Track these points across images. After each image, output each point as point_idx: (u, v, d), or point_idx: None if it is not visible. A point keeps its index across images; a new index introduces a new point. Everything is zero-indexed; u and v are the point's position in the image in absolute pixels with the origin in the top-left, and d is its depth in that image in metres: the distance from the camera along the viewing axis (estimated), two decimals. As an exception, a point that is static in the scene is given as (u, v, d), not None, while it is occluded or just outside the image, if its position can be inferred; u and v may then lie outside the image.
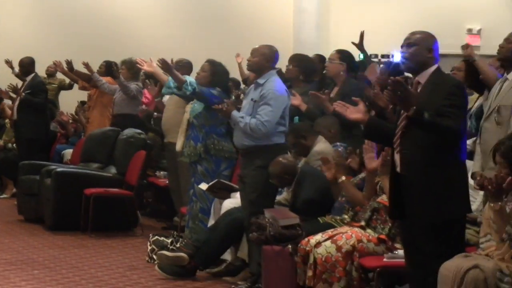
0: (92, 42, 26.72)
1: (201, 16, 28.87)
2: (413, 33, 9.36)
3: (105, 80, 19.63)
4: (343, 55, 14.73)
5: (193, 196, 14.11)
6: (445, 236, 8.84)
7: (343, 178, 11.39)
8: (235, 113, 12.47)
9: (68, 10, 28.54)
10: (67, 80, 22.50)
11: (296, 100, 13.44)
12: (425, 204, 8.75)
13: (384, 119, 9.74)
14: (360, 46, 14.76)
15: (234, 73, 16.60)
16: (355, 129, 12.48)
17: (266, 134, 12.37)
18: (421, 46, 9.17)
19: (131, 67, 19.11)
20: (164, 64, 14.22)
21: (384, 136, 9.30)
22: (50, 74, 22.28)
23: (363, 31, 14.44)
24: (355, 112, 8.71)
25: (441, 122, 8.59)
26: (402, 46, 9.29)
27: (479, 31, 27.85)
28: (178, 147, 14.96)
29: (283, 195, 12.80)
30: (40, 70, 22.31)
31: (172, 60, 13.90)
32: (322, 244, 10.74)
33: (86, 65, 19.79)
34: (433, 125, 8.66)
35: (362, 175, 11.42)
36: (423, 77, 9.07)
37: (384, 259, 10.57)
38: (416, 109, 8.38)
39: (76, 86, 22.08)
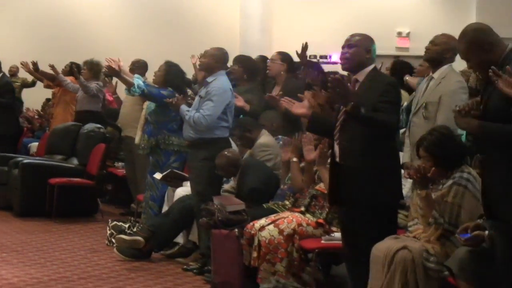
0: (56, 44, 26.33)
1: (157, 21, 28.86)
2: (353, 35, 9.54)
3: (68, 79, 19.63)
4: (284, 56, 14.89)
5: (147, 185, 14.16)
6: (380, 220, 8.97)
7: (294, 159, 11.57)
8: (183, 107, 12.63)
9: (33, 13, 28.03)
10: (30, 79, 22.42)
11: (240, 102, 13.44)
12: (362, 191, 8.85)
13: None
14: (302, 56, 14.72)
15: (190, 74, 16.64)
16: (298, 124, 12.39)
17: (207, 127, 12.48)
18: (361, 47, 9.34)
19: (92, 67, 19.18)
20: (110, 70, 14.39)
21: (326, 130, 9.32)
22: (13, 74, 22.04)
23: (306, 43, 14.40)
24: (300, 108, 8.75)
25: (377, 116, 8.75)
26: (343, 47, 9.41)
27: (408, 34, 27.70)
28: (137, 140, 15.09)
29: (230, 184, 12.89)
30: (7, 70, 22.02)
31: (119, 66, 13.84)
32: (266, 228, 10.85)
33: (52, 67, 19.76)
34: (369, 119, 8.75)
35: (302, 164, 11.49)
36: (361, 76, 9.26)
37: (322, 241, 10.66)
38: (354, 104, 8.44)
39: (39, 84, 21.99)
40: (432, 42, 10.86)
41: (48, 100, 21.29)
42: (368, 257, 8.84)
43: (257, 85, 15.12)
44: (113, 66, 13.71)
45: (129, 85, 13.85)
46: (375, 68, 9.56)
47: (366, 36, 9.64)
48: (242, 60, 15.41)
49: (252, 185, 12.19)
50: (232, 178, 12.96)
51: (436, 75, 10.57)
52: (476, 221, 8.54)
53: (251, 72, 14.93)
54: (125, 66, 15.42)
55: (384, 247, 9.10)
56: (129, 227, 14.14)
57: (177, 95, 13.19)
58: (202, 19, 28.49)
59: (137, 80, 13.79)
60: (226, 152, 12.47)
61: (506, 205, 7.90)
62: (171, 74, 13.95)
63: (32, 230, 15.87)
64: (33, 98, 22.85)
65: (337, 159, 9.30)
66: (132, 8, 29.45)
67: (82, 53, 21.82)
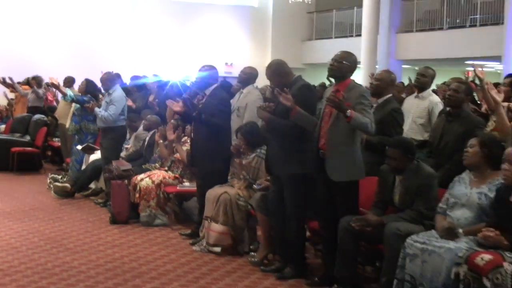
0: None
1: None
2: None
3: (23, 87, 19.54)
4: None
5: (73, 153, 14.16)
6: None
7: (161, 141, 11.49)
8: (96, 109, 12.47)
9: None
10: None
11: (129, 102, 13.55)
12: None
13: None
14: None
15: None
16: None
17: (112, 122, 12.45)
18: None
19: (38, 81, 19.16)
20: (53, 85, 14.38)
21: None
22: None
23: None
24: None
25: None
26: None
27: (231, 64, 27.17)
28: (67, 125, 14.88)
29: (123, 153, 12.87)
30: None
31: (58, 83, 13.99)
32: (144, 179, 10.95)
33: (10, 79, 19.67)
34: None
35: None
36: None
37: (177, 187, 10.87)
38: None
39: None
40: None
41: (11, 99, 20.83)
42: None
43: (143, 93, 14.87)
44: (55, 82, 13.78)
45: (64, 94, 13.89)
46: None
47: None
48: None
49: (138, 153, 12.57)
50: (125, 149, 13.17)
51: (245, 90, 10.41)
52: (267, 177, 8.80)
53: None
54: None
55: (214, 191, 9.31)
56: (61, 177, 14.14)
57: (92, 101, 13.22)
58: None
59: (68, 91, 13.81)
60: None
61: (276, 166, 8.18)
62: (90, 86, 13.96)
63: (1, 178, 15.79)
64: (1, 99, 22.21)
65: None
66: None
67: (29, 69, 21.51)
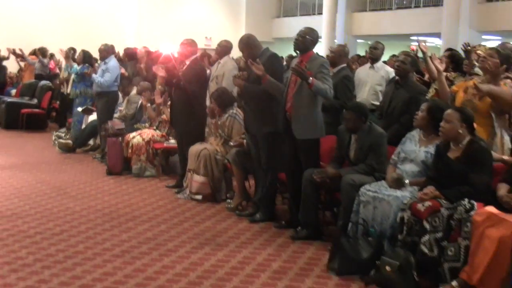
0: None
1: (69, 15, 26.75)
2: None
3: (30, 57, 19.33)
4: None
5: (74, 114, 14.04)
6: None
7: (148, 104, 11.47)
8: (93, 75, 12.37)
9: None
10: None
11: (122, 70, 13.42)
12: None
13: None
14: None
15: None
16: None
17: (107, 87, 12.40)
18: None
19: (42, 52, 19.02)
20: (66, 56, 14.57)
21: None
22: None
23: None
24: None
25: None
26: None
27: (210, 38, 27.10)
28: (68, 91, 14.69)
29: (117, 114, 12.80)
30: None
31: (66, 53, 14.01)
32: (135, 137, 10.88)
33: (20, 50, 19.39)
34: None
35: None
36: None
37: (164, 144, 10.79)
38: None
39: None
40: (219, 44, 10.62)
41: (20, 68, 20.55)
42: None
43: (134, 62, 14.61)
44: (63, 54, 13.81)
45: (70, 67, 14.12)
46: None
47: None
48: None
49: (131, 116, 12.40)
50: (119, 110, 13.06)
51: (222, 61, 10.24)
52: (241, 136, 8.79)
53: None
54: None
55: (194, 148, 9.28)
56: (64, 135, 14.13)
57: (90, 68, 13.11)
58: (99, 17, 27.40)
59: (74, 66, 13.85)
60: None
61: (251, 127, 8.14)
62: (86, 57, 13.82)
63: (11, 135, 15.70)
64: (12, 67, 21.87)
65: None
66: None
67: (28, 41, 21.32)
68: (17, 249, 6.70)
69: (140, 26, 27.59)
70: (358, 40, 27.57)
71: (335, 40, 25.52)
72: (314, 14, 28.59)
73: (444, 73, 8.02)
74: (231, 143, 9.06)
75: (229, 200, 9.06)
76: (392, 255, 5.92)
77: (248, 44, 8.22)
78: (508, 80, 6.78)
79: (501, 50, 7.07)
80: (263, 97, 7.89)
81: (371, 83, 9.81)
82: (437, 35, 22.82)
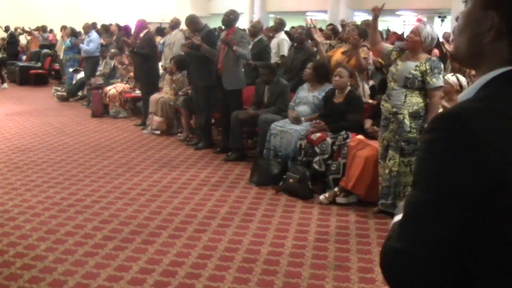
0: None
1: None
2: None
3: (35, 32, 18.48)
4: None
5: (66, 73, 13.54)
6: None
7: (119, 65, 11.07)
8: (81, 45, 12.07)
9: None
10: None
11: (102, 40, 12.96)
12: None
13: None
14: None
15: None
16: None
17: (91, 53, 11.97)
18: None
19: (43, 28, 18.49)
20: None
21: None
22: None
23: None
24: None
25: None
26: None
27: (165, 14, 26.24)
28: (61, 57, 14.12)
29: (98, 73, 12.30)
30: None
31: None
32: (111, 89, 10.54)
33: (30, 28, 18.42)
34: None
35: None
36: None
37: (132, 94, 10.51)
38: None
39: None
40: (171, 20, 10.36)
41: (28, 40, 19.64)
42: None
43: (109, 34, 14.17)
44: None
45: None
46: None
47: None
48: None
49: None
50: (99, 70, 12.50)
51: (173, 33, 9.99)
52: (187, 88, 8.58)
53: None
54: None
55: (155, 96, 9.06)
56: (61, 88, 13.62)
57: (75, 40, 12.68)
58: None
59: (67, 41, 13.33)
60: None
61: (194, 79, 7.97)
62: (73, 32, 13.36)
63: (24, 90, 14.98)
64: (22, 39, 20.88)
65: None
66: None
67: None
68: (30, 174, 6.60)
69: (112, 5, 26.48)
70: (270, 16, 27.25)
71: (254, 15, 25.22)
72: (239, -4, 28.09)
73: (327, 41, 8.02)
74: (180, 93, 8.88)
75: (179, 134, 8.91)
76: (294, 171, 5.97)
77: (192, 22, 8.03)
78: (365, 48, 6.79)
79: (360, 26, 7.08)
80: (202, 59, 7.70)
81: (272, 46, 9.49)
82: (324, 11, 22.73)
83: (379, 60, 6.90)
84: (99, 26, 14.90)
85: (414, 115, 4.88)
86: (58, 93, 13.09)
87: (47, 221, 4.99)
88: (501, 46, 1.10)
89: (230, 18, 7.63)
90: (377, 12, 5.27)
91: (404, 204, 1.06)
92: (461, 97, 1.14)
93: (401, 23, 26.13)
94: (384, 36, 9.35)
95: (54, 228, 4.81)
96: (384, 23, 27.25)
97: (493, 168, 0.97)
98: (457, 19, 1.66)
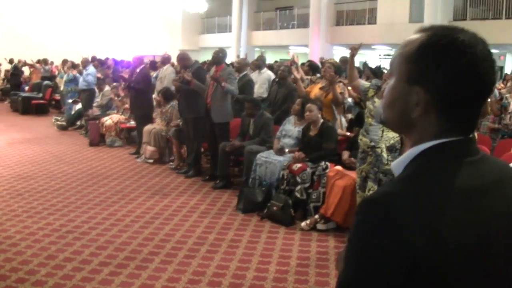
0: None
1: (61, 34, 25.32)
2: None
3: (37, 65, 18.42)
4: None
5: (66, 104, 13.50)
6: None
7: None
8: (81, 81, 12.08)
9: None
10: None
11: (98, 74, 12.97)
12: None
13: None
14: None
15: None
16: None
17: (89, 85, 11.97)
18: None
19: (45, 61, 18.42)
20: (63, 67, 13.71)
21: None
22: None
23: None
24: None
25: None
26: None
27: (158, 48, 26.22)
28: (61, 89, 14.16)
29: (95, 104, 12.32)
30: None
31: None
32: (107, 120, 10.40)
33: (32, 61, 18.42)
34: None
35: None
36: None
37: (127, 124, 10.39)
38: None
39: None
40: (162, 56, 10.41)
41: (30, 73, 19.54)
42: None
43: (105, 67, 14.13)
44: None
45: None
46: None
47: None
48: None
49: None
50: (96, 101, 12.52)
51: (165, 67, 10.02)
52: (177, 119, 8.56)
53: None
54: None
55: (148, 128, 8.95)
56: (61, 118, 13.51)
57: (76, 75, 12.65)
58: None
59: (69, 75, 13.33)
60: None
61: (184, 112, 7.91)
62: (73, 66, 13.37)
63: (26, 119, 14.77)
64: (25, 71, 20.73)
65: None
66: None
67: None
68: (31, 201, 6.58)
69: (109, 39, 26.50)
70: (256, 49, 27.49)
71: (240, 48, 25.45)
72: (226, 31, 28.25)
73: (308, 77, 8.11)
74: (171, 124, 8.90)
75: (171, 163, 8.90)
76: (277, 199, 6.00)
77: (183, 58, 8.10)
78: (341, 84, 6.87)
79: (335, 63, 7.15)
80: (192, 94, 7.74)
81: (260, 82, 9.64)
82: (306, 45, 22.94)
83: (357, 95, 6.96)
84: (96, 60, 14.98)
85: (390, 149, 4.93)
86: (58, 122, 13.03)
87: (47, 247, 4.98)
88: (430, 119, 1.07)
89: (219, 56, 7.71)
90: (354, 52, 5.29)
91: (337, 280, 1.07)
92: (393, 165, 1.13)
93: (377, 56, 26.43)
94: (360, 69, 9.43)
95: (53, 254, 4.80)
96: (361, 56, 27.65)
97: (413, 250, 0.96)
98: (383, 92, 1.65)
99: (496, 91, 8.63)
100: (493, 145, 6.97)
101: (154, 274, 4.40)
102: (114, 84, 11.65)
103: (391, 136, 4.92)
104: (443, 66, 1.02)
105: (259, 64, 10.02)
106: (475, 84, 1.04)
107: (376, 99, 5.08)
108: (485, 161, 1.10)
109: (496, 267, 1.06)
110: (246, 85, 8.53)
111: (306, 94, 7.12)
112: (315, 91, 7.08)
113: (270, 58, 20.48)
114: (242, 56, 18.17)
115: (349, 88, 6.85)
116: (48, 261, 4.64)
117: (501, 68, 22.01)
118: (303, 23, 24.16)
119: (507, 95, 7.63)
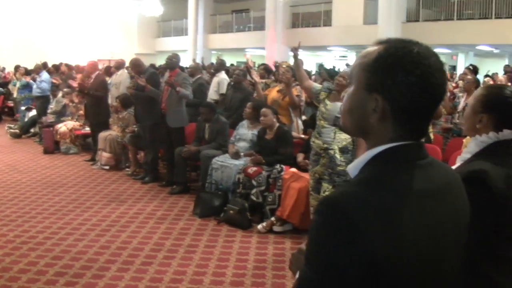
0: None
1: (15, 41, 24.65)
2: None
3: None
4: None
5: (19, 111, 13.24)
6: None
7: None
8: (34, 87, 11.85)
9: None
10: None
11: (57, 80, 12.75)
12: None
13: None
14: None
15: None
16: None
17: (43, 92, 11.79)
18: None
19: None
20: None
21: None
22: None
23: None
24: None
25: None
26: None
27: (114, 52, 25.91)
28: (15, 95, 13.86)
29: (49, 111, 12.15)
30: None
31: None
32: (62, 127, 10.30)
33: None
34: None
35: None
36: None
37: (82, 131, 10.27)
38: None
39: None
40: (116, 61, 10.29)
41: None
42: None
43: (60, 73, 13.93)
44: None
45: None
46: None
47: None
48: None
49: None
50: (50, 108, 12.30)
51: (119, 72, 9.99)
52: (133, 125, 8.52)
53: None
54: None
55: (104, 134, 8.86)
56: (14, 126, 13.22)
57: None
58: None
59: (22, 81, 13.09)
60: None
61: (140, 118, 7.90)
62: (27, 72, 13.16)
63: None
64: None
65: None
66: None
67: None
68: (-18, 213, 6.42)
69: (63, 44, 26.06)
70: (213, 52, 27.47)
71: (197, 52, 25.38)
72: (182, 35, 28.14)
73: (263, 80, 8.18)
74: (127, 130, 8.85)
75: (127, 168, 8.87)
76: (234, 203, 6.05)
77: (136, 65, 8.07)
78: (298, 86, 6.93)
79: (291, 66, 7.22)
80: (147, 100, 7.73)
81: (212, 86, 9.54)
82: (262, 48, 23.06)
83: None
84: (50, 66, 14.73)
85: (343, 150, 4.99)
86: (11, 130, 12.73)
87: (1, 259, 4.89)
88: (386, 124, 1.12)
89: (173, 61, 7.74)
90: (295, 51, 5.33)
91: (296, 280, 1.11)
92: (349, 168, 1.18)
93: (333, 58, 26.78)
94: (317, 70, 9.55)
95: (7, 266, 4.72)
96: (318, 58, 27.95)
97: (371, 249, 1.00)
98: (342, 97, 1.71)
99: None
100: (445, 143, 7.14)
101: (111, 283, 4.39)
102: (66, 90, 11.45)
103: (343, 138, 4.99)
104: (400, 75, 1.08)
105: (217, 67, 9.99)
106: (429, 93, 1.10)
107: (328, 102, 5.12)
108: (433, 164, 1.17)
109: (447, 263, 1.14)
110: (198, 89, 8.53)
111: (265, 97, 7.20)
112: (273, 94, 7.16)
113: (228, 61, 20.50)
114: (198, 60, 18.20)
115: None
116: (2, 273, 4.56)
117: (454, 67, 22.54)
118: (260, 25, 24.25)
119: (460, 94, 7.82)
